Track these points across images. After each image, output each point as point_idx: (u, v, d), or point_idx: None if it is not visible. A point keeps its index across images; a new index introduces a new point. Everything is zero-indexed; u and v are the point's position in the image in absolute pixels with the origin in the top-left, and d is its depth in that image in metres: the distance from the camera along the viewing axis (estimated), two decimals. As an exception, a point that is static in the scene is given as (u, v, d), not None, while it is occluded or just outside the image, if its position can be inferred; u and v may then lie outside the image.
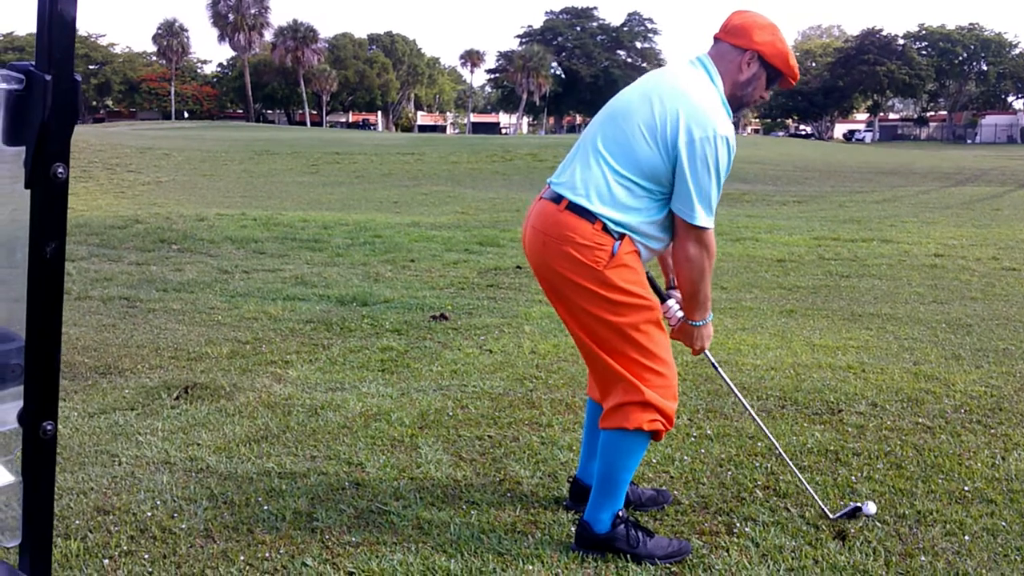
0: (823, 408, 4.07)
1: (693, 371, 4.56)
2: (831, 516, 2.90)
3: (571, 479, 3.05)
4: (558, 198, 2.52)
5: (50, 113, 0.86)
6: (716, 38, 2.61)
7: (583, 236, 2.45)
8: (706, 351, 2.82)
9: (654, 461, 3.35)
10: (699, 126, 2.40)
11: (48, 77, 0.85)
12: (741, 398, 3.13)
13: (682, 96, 2.44)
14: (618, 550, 2.62)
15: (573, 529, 2.79)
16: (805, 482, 3.05)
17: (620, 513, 2.64)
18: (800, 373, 4.64)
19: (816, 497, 2.98)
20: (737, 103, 2.59)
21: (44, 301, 0.93)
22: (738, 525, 2.86)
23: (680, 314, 2.72)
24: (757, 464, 3.37)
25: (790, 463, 3.14)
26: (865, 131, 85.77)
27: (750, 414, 3.14)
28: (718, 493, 3.10)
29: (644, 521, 2.88)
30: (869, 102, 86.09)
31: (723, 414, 3.92)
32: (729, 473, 3.28)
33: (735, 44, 2.55)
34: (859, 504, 2.94)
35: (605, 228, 2.46)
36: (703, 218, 2.46)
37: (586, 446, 2.96)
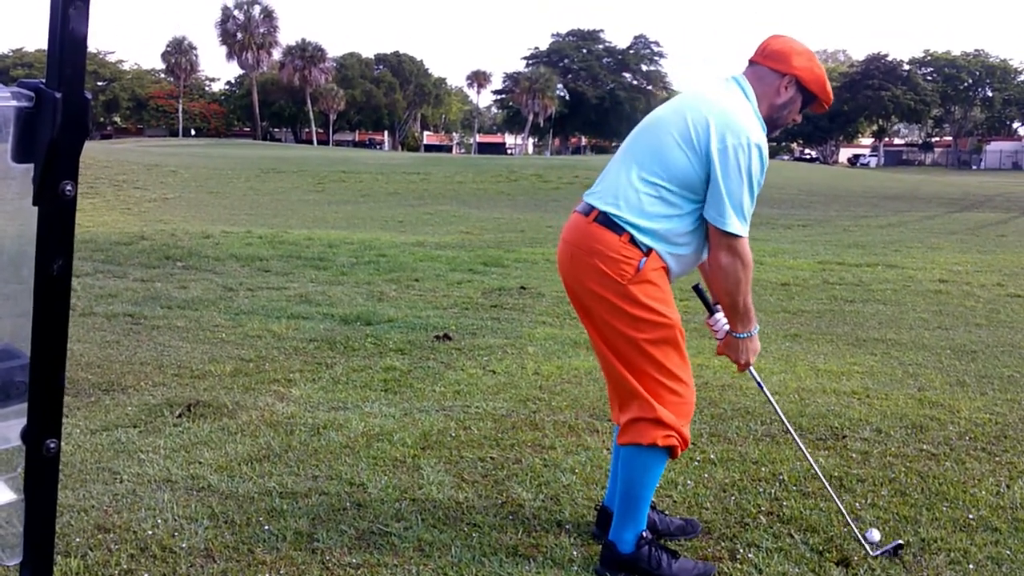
0: (827, 433, 4.05)
1: (697, 395, 4.53)
2: (872, 553, 2.85)
3: (598, 507, 3.02)
4: (588, 209, 2.56)
5: (59, 130, 0.87)
6: (753, 61, 2.64)
7: (610, 248, 2.48)
8: (751, 368, 2.83)
9: (656, 485, 3.33)
10: (732, 133, 2.43)
11: (58, 95, 0.85)
12: (784, 420, 3.14)
13: (715, 105, 2.49)
14: (643, 571, 2.60)
15: (575, 553, 2.78)
16: (847, 513, 3.00)
17: (644, 534, 2.63)
18: (804, 398, 4.62)
19: (856, 530, 2.93)
20: (771, 124, 2.63)
21: (50, 318, 0.93)
22: (741, 551, 2.84)
23: (726, 327, 2.73)
24: (761, 490, 3.35)
25: (835, 497, 3.11)
26: (870, 156, 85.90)
27: (795, 441, 3.10)
28: (721, 518, 3.08)
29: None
30: (874, 127, 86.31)
31: (727, 438, 3.90)
32: (732, 498, 3.26)
33: (774, 68, 2.60)
34: (901, 541, 2.90)
35: (632, 240, 2.48)
36: (735, 224, 2.46)
37: (613, 474, 2.94)
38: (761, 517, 3.10)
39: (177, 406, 4.21)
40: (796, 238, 13.88)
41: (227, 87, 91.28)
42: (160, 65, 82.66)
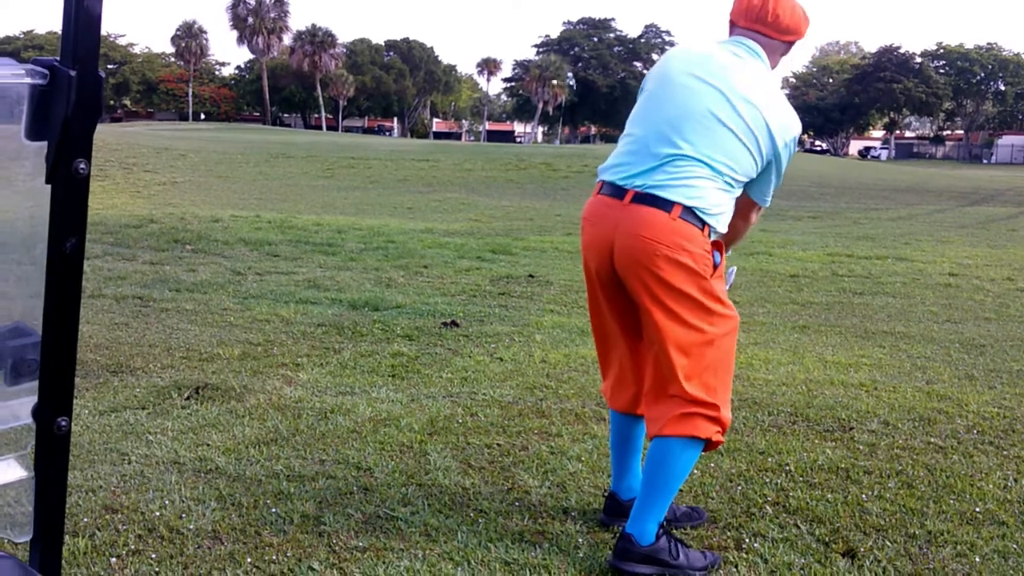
0: (835, 425, 4.05)
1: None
2: None
3: (606, 493, 3.01)
4: (666, 203, 2.44)
5: (73, 109, 0.86)
6: (767, 35, 2.58)
7: (696, 244, 2.46)
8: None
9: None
10: (789, 131, 2.56)
11: (72, 72, 0.85)
12: None
13: (767, 102, 2.51)
14: (661, 562, 2.55)
15: (581, 540, 2.78)
16: None
17: (663, 523, 2.61)
18: (812, 389, 4.62)
19: None
20: None
21: (62, 297, 0.93)
22: (747, 541, 2.84)
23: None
24: (767, 480, 3.35)
25: None
26: (881, 148, 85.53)
27: None
28: (727, 508, 3.08)
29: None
30: (885, 119, 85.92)
31: (733, 428, 3.90)
32: (739, 488, 3.26)
33: (786, 40, 2.61)
34: None
35: (710, 233, 2.50)
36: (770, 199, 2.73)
37: (617, 461, 2.92)
38: (767, 507, 3.10)
39: (185, 388, 4.22)
40: (806, 230, 13.85)
41: (237, 72, 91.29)
42: (170, 49, 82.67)
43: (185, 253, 8.88)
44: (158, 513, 2.86)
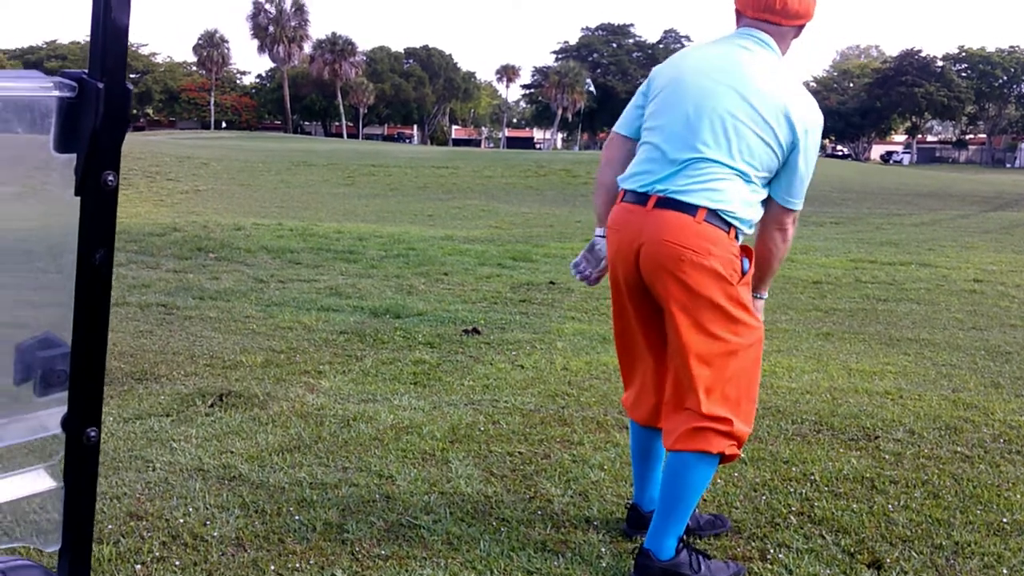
0: (859, 434, 4.01)
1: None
2: None
3: (628, 505, 2.97)
4: (690, 207, 2.41)
5: (102, 121, 0.87)
6: (776, 22, 2.52)
7: (723, 247, 2.42)
8: None
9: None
10: (809, 122, 2.48)
11: (101, 85, 0.85)
12: None
13: (784, 94, 2.45)
14: None
15: (604, 550, 2.76)
16: None
17: (682, 538, 2.58)
18: (836, 397, 4.58)
19: None
20: None
21: (91, 308, 0.93)
22: (772, 551, 2.81)
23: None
24: (791, 489, 3.32)
25: None
26: (903, 153, 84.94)
27: None
28: (751, 518, 3.05)
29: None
30: (907, 124, 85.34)
31: (757, 437, 3.87)
32: (763, 498, 3.23)
33: (796, 24, 2.56)
34: None
35: (736, 235, 2.46)
36: (801, 202, 2.58)
37: (639, 472, 2.90)
38: (792, 517, 3.07)
39: (209, 396, 4.24)
40: (828, 235, 13.76)
41: (258, 80, 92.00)
42: (192, 58, 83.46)
43: (208, 261, 8.94)
44: (182, 520, 2.88)
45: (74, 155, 0.90)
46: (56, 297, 0.97)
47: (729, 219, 2.42)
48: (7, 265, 1.01)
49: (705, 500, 3.19)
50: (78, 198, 0.91)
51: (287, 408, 4.12)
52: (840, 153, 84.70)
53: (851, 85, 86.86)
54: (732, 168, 2.42)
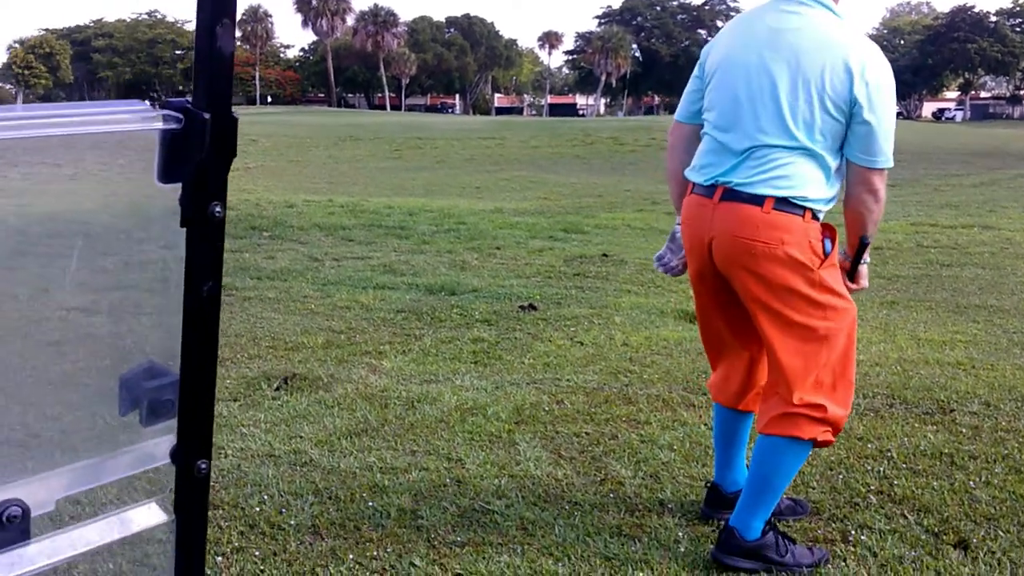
0: (934, 407, 3.92)
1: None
2: None
3: (708, 484, 2.93)
4: (756, 198, 2.34)
5: (208, 151, 0.84)
6: None
7: (799, 234, 2.33)
8: None
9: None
10: (870, 68, 2.29)
11: (207, 115, 0.83)
12: None
13: (838, 45, 2.30)
14: (767, 559, 2.49)
15: (681, 535, 2.74)
16: None
17: (770, 520, 2.54)
18: (907, 369, 4.48)
19: None
20: None
21: (200, 340, 0.92)
22: (853, 533, 2.76)
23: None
24: (869, 467, 3.25)
25: None
26: (956, 110, 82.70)
27: None
28: (830, 498, 3.00)
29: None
30: (960, 80, 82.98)
31: (828, 413, 3.79)
32: (840, 477, 3.17)
33: None
34: None
35: (814, 215, 2.36)
36: (889, 159, 2.39)
37: (721, 454, 2.86)
38: (871, 496, 3.02)
39: (274, 379, 4.28)
40: (887, 199, 13.45)
41: (301, 54, 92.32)
42: (236, 33, 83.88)
43: (263, 240, 9.01)
44: (258, 509, 2.91)
45: (179, 185, 0.88)
46: (164, 327, 0.96)
47: (801, 203, 2.33)
48: (110, 296, 1.00)
49: (779, 481, 3.13)
50: (183, 229, 0.89)
51: (351, 390, 4.14)
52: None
53: (902, 43, 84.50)
54: (795, 149, 2.32)
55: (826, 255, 2.38)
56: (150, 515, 0.97)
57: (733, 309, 2.57)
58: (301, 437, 3.55)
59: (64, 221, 0.95)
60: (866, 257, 2.58)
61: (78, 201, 0.99)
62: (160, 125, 0.83)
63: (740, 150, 2.38)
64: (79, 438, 1.08)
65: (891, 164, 2.38)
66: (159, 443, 1.00)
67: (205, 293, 0.90)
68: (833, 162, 2.38)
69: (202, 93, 0.84)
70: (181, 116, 0.83)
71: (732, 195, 2.37)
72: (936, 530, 2.78)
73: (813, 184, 2.35)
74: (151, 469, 0.99)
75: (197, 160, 0.85)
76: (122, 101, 0.84)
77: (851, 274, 2.57)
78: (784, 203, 2.32)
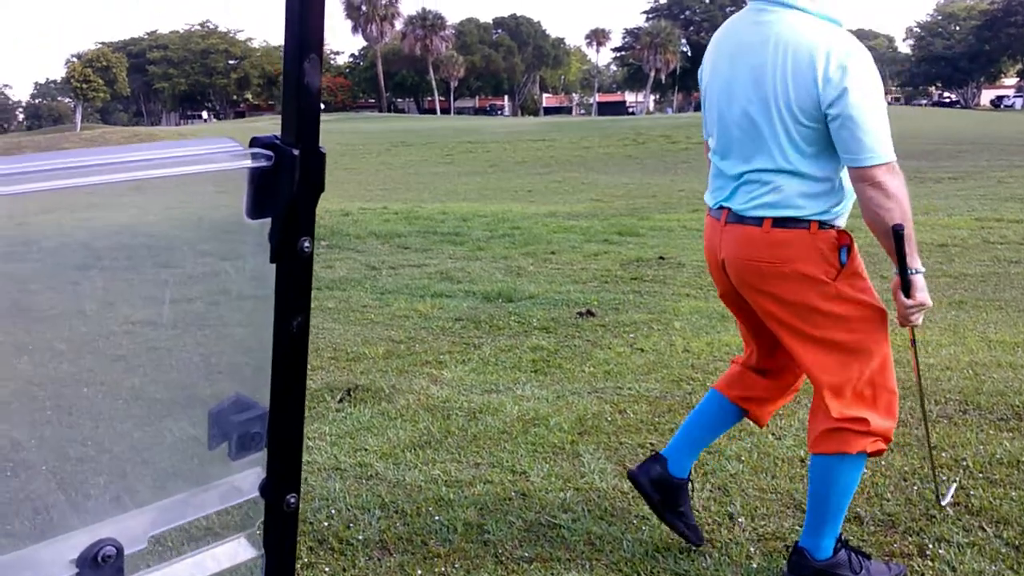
0: (1009, 413, 3.80)
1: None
2: (942, 503, 2.84)
3: (653, 451, 2.87)
4: (754, 220, 2.30)
5: (297, 187, 0.83)
6: None
7: (807, 249, 2.25)
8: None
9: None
10: (843, 64, 2.13)
11: (296, 151, 0.82)
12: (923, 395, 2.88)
13: (811, 49, 2.15)
14: None
15: (753, 550, 2.69)
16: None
17: (840, 537, 2.48)
18: (979, 373, 4.35)
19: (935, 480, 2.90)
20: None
21: (289, 374, 0.91)
22: (931, 546, 2.68)
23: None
24: (944, 478, 3.16)
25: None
26: (1015, 96, 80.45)
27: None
28: (905, 510, 2.92)
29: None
30: (1019, 66, 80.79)
31: (900, 421, 3.68)
32: (915, 488, 3.09)
33: None
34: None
35: (822, 226, 2.25)
36: (880, 154, 2.16)
37: (685, 433, 2.75)
38: (947, 508, 2.93)
39: (337, 391, 4.30)
40: (948, 192, 13.13)
41: (351, 60, 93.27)
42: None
43: (320, 249, 9.10)
44: (326, 523, 2.92)
45: (267, 220, 0.87)
46: (253, 361, 0.95)
47: (801, 217, 2.25)
48: (198, 329, 1.00)
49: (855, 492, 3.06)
50: (273, 264, 0.88)
51: (413, 401, 4.15)
52: (947, 100, 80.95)
53: (957, 29, 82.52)
54: (781, 171, 2.25)
55: (843, 265, 2.28)
56: (239, 550, 0.97)
57: (755, 320, 2.54)
58: (366, 450, 3.56)
59: (155, 256, 0.95)
60: (917, 265, 2.27)
61: (168, 236, 1.00)
62: (250, 163, 0.83)
63: (734, 175, 2.36)
64: (168, 472, 1.08)
65: (884, 160, 2.15)
66: (247, 476, 0.99)
67: (295, 328, 0.89)
68: (826, 170, 2.26)
69: (291, 128, 0.83)
70: (271, 153, 0.83)
71: (735, 218, 2.36)
72: (1017, 543, 2.69)
73: (810, 198, 2.25)
74: (238, 503, 0.99)
75: (286, 196, 0.84)
76: (212, 139, 0.83)
77: (905, 288, 2.28)
78: (783, 221, 2.27)
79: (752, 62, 2.25)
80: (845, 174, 2.28)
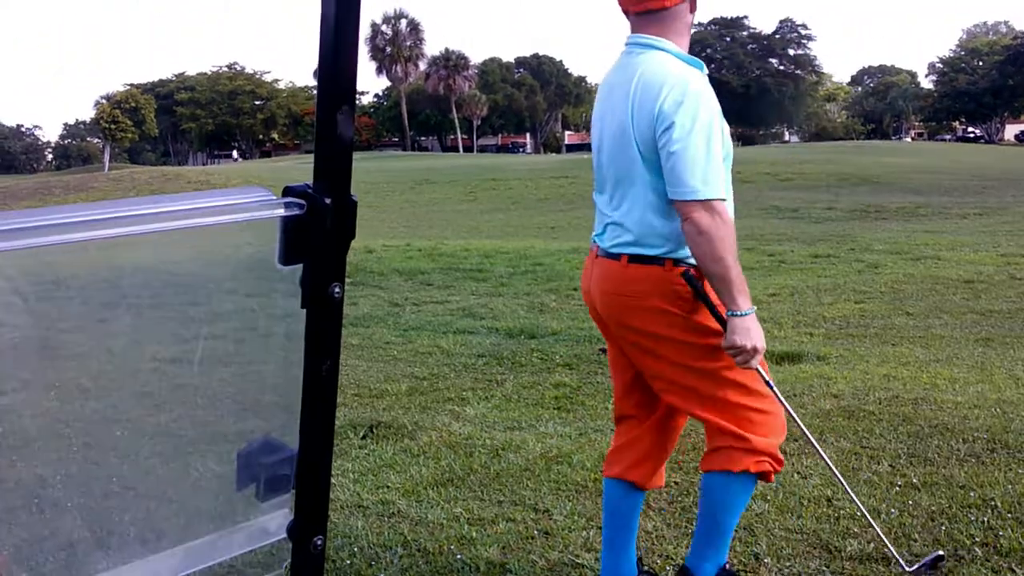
0: (1039, 452, 3.75)
1: (888, 410, 4.30)
2: (907, 568, 2.72)
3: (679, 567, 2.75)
4: (615, 256, 2.36)
5: (328, 235, 0.86)
6: (661, 7, 2.27)
7: (662, 283, 2.29)
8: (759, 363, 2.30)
9: (857, 514, 3.15)
10: (672, 94, 2.17)
11: (328, 200, 0.85)
12: (807, 432, 2.73)
13: (655, 88, 2.20)
14: None
15: (779, 590, 2.66)
16: (879, 530, 2.84)
17: (726, 566, 2.51)
18: (1007, 411, 4.30)
19: (890, 545, 2.79)
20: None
21: (318, 418, 0.93)
22: (960, 589, 2.64)
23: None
24: (972, 518, 3.12)
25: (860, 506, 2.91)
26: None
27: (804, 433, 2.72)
28: (933, 551, 2.88)
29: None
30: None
31: (927, 460, 3.66)
32: (943, 528, 3.05)
33: (676, 3, 2.29)
34: (941, 552, 2.78)
35: (676, 263, 2.28)
36: (702, 188, 2.16)
37: (609, 540, 2.63)
38: (976, 549, 2.89)
39: (360, 427, 4.32)
40: (974, 229, 13.05)
41: (375, 99, 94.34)
42: (312, 82, 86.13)
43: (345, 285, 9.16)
44: (348, 562, 2.92)
45: (299, 266, 0.90)
46: (282, 403, 0.97)
47: (655, 255, 2.29)
48: (228, 372, 1.02)
49: (884, 532, 3.02)
50: (304, 309, 0.91)
51: (436, 438, 4.15)
52: (971, 135, 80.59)
53: (980, 64, 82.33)
54: (638, 206, 2.29)
55: (695, 299, 2.30)
56: (269, 592, 0.98)
57: (624, 364, 2.56)
58: (388, 487, 3.57)
59: (187, 298, 0.97)
60: (741, 307, 2.19)
61: (199, 277, 1.02)
62: (282, 212, 0.85)
63: (607, 212, 2.41)
64: (195, 512, 1.10)
65: (703, 196, 2.14)
66: (275, 518, 1.01)
67: (324, 372, 0.91)
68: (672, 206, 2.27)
69: (323, 178, 0.85)
70: (303, 202, 0.85)
71: (603, 253, 2.41)
72: (1051, 586, 2.64)
73: (663, 236, 2.27)
74: (266, 545, 1.00)
75: (318, 243, 0.87)
76: (245, 189, 0.86)
77: (722, 324, 2.25)
78: (639, 257, 2.31)
79: (617, 101, 2.32)
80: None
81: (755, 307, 2.26)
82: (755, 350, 2.21)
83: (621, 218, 2.34)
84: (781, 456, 2.44)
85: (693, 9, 2.37)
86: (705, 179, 2.15)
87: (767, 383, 2.40)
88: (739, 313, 2.20)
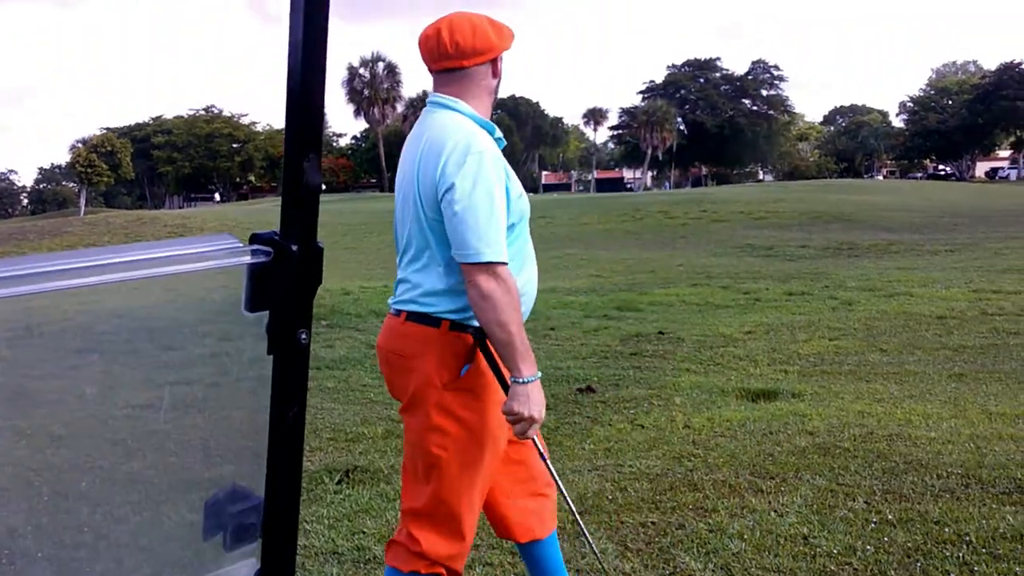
0: (1011, 486, 3.77)
1: (863, 447, 4.32)
2: None
3: None
4: (396, 312, 2.31)
5: (295, 282, 0.87)
6: (457, 67, 2.25)
7: (434, 347, 2.22)
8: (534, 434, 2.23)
9: (834, 552, 3.16)
10: (453, 156, 2.15)
11: (295, 247, 0.86)
12: (568, 500, 2.62)
13: (438, 151, 2.18)
14: None
15: (757, 630, 2.65)
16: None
17: None
18: (980, 446, 4.33)
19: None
20: (494, 105, 2.38)
21: (284, 464, 0.93)
22: (937, 626, 2.65)
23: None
24: (947, 553, 3.13)
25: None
26: (1009, 168, 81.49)
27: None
28: (909, 588, 2.89)
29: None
30: (1012, 138, 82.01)
31: (902, 496, 3.68)
32: (918, 564, 3.06)
33: (483, 61, 2.26)
34: None
35: (454, 326, 2.22)
36: (486, 251, 2.12)
37: None
38: (949, 586, 2.90)
39: (335, 472, 4.28)
40: (945, 265, 13.23)
41: (353, 142, 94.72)
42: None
43: (321, 328, 9.13)
44: (325, 608, 2.88)
45: (265, 312, 0.91)
46: (249, 451, 0.97)
47: (431, 314, 2.22)
48: (201, 418, 1.03)
49: (856, 570, 3.03)
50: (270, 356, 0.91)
51: (413, 481, 4.12)
52: (943, 172, 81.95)
53: (950, 103, 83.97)
54: (421, 265, 2.24)
55: (460, 376, 2.22)
56: (237, 641, 0.97)
57: None
58: (364, 532, 3.53)
59: (159, 344, 0.97)
60: (524, 374, 2.13)
61: (168, 322, 1.02)
62: (248, 260, 0.86)
63: (399, 269, 2.36)
64: (164, 561, 1.09)
65: (484, 259, 2.10)
66: (241, 568, 1.00)
67: (291, 418, 0.92)
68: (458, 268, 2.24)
69: (290, 225, 0.87)
70: (269, 249, 0.86)
71: (391, 309, 2.36)
72: (1027, 621, 2.65)
73: (441, 296, 2.22)
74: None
75: (284, 290, 0.88)
76: (212, 237, 0.87)
77: (506, 389, 2.20)
78: (416, 315, 2.24)
79: (407, 161, 2.29)
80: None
81: (539, 374, 2.18)
82: (532, 419, 2.14)
83: (409, 276, 2.28)
84: (461, 569, 2.32)
85: (496, 75, 2.33)
86: (488, 241, 2.10)
87: (541, 456, 2.37)
88: (521, 380, 2.13)
